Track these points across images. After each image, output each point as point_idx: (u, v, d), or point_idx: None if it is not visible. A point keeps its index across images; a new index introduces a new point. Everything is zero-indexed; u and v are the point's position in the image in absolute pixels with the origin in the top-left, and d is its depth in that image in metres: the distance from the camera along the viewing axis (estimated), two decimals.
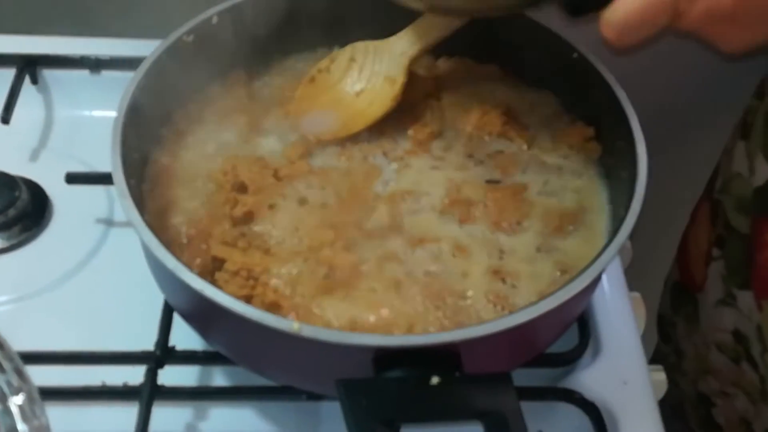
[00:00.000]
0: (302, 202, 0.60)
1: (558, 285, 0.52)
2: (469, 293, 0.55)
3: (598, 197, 0.62)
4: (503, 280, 0.56)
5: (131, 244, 0.57)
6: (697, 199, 0.88)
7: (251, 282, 0.55)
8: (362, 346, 0.47)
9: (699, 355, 0.86)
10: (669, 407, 0.65)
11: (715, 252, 0.81)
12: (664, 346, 0.94)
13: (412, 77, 0.66)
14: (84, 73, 0.79)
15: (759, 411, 0.80)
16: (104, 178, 0.68)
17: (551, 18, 0.66)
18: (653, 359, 0.96)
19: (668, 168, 0.78)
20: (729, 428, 0.86)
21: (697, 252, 0.85)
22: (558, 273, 0.57)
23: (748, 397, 0.81)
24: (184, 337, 0.59)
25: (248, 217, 0.59)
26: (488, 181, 0.62)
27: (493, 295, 0.55)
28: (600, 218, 0.61)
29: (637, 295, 0.70)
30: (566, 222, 0.60)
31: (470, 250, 0.57)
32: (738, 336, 0.79)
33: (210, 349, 0.59)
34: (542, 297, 0.50)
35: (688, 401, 0.91)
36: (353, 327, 0.52)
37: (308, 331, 0.47)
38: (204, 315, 0.54)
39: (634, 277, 0.71)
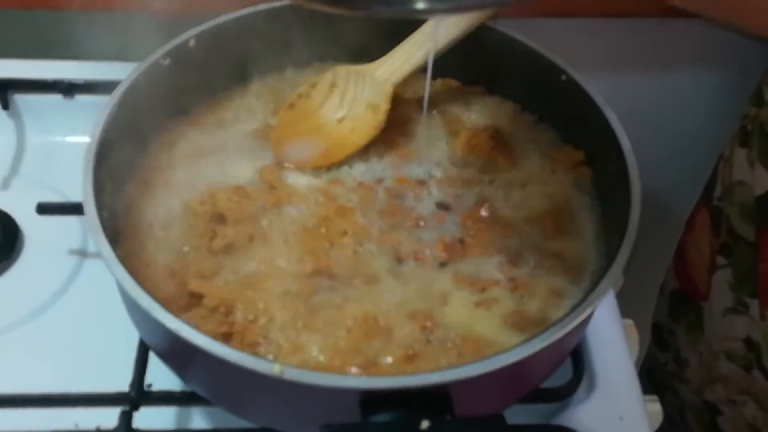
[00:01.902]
0: (284, 233, 0.57)
1: None
2: None
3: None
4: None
5: (106, 277, 0.53)
6: (692, 206, 0.87)
7: (230, 318, 0.53)
8: (348, 389, 0.45)
9: (705, 364, 0.85)
10: (667, 415, 0.64)
11: (720, 260, 0.80)
12: (662, 354, 0.93)
13: (395, 98, 0.64)
14: (57, 98, 0.76)
15: None
16: (77, 209, 0.64)
17: (539, 38, 0.65)
18: (648, 367, 0.95)
19: (662, 176, 0.77)
20: None
21: (699, 260, 0.84)
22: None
23: (758, 405, 0.80)
24: (161, 376, 0.56)
25: (228, 250, 0.56)
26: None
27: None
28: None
29: (630, 322, 0.68)
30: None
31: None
32: (749, 344, 0.78)
33: (188, 389, 0.56)
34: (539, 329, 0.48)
35: (691, 409, 0.90)
36: (341, 362, 0.50)
37: (291, 374, 0.45)
38: (181, 355, 0.51)
39: (625, 288, 0.70)
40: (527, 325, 0.53)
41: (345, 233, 0.57)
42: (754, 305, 0.77)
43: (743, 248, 0.77)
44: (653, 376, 0.95)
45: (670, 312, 0.91)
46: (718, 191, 0.81)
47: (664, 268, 0.93)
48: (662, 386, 0.92)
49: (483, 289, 0.55)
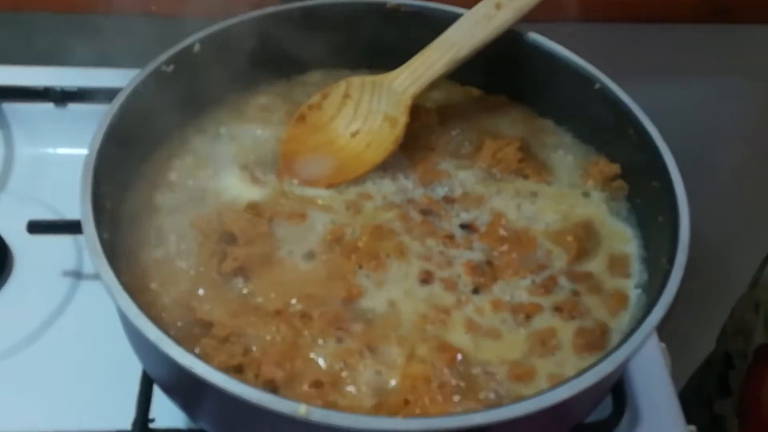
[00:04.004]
0: (304, 254, 0.53)
1: None
2: None
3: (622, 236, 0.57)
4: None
5: (103, 300, 0.49)
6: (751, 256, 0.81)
7: (241, 349, 0.48)
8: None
9: None
10: None
11: None
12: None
13: (413, 108, 0.60)
14: (48, 107, 0.72)
15: None
16: (71, 227, 0.61)
17: (569, 44, 0.61)
18: None
19: (708, 202, 0.70)
20: None
21: None
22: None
23: None
24: (166, 411, 0.52)
25: (239, 273, 0.52)
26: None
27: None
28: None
29: (662, 345, 0.64)
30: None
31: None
32: None
33: (196, 427, 0.52)
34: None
35: None
36: (371, 402, 0.46)
37: (318, 415, 0.41)
38: (191, 391, 0.47)
39: None
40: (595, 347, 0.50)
41: (374, 256, 0.53)
42: None
43: None
44: None
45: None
46: None
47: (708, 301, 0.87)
48: None
49: (528, 316, 0.50)
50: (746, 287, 0.82)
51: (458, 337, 0.50)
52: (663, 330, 0.62)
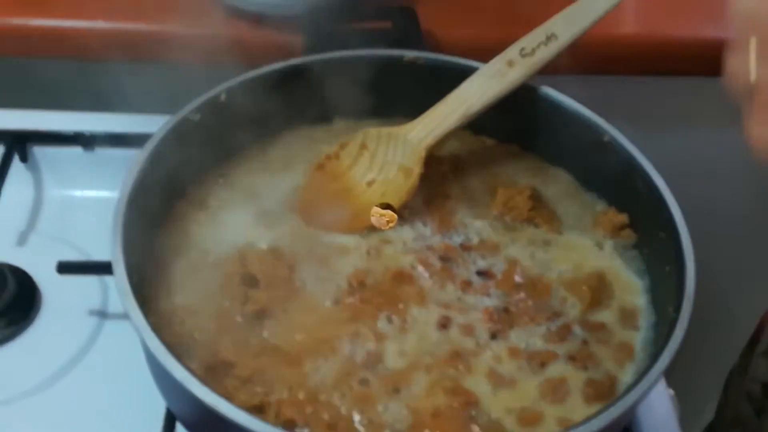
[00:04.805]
0: (325, 298, 0.55)
1: None
2: None
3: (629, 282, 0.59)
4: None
5: (127, 339, 0.51)
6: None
7: (262, 389, 0.50)
8: None
9: None
10: None
11: None
12: None
13: (428, 157, 0.62)
14: (77, 151, 0.74)
15: None
16: (100, 268, 0.62)
17: (580, 95, 0.63)
18: None
19: (716, 255, 0.71)
20: None
21: None
22: None
23: None
24: None
25: (261, 316, 0.54)
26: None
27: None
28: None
29: (671, 392, 0.65)
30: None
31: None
32: None
33: None
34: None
35: None
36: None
37: None
38: (213, 429, 0.48)
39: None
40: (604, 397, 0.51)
41: (395, 301, 0.55)
42: None
43: None
44: None
45: None
46: None
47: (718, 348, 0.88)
48: None
49: (543, 364, 0.52)
50: (738, 358, 0.82)
51: (475, 383, 0.51)
52: (671, 377, 0.63)
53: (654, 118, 0.84)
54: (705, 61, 0.83)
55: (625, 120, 0.62)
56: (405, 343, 0.53)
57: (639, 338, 0.55)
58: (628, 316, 0.56)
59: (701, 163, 0.85)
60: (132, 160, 0.56)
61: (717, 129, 0.76)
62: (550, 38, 0.62)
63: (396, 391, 0.50)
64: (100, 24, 0.79)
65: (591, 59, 0.76)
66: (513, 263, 0.58)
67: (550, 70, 0.63)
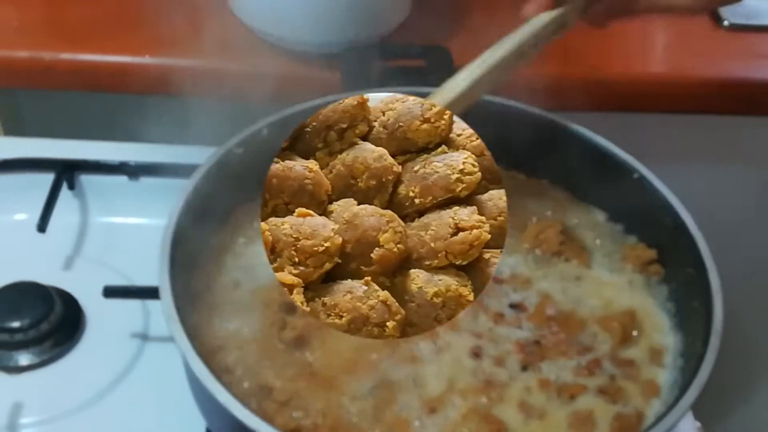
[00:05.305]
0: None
1: None
2: None
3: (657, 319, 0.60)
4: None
5: (168, 360, 0.53)
6: None
7: (300, 412, 0.52)
8: None
9: None
10: None
11: None
12: None
13: None
14: (122, 179, 0.77)
15: None
16: (144, 293, 0.65)
17: (612, 132, 0.65)
18: None
19: (745, 292, 0.71)
20: None
21: None
22: None
23: None
24: None
25: (298, 341, 0.56)
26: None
27: None
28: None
29: (698, 425, 0.66)
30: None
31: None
32: None
33: None
34: None
35: None
36: None
37: None
38: None
39: None
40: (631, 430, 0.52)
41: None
42: None
43: None
44: None
45: None
46: None
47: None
48: None
49: (572, 396, 0.53)
50: None
51: (506, 413, 0.52)
52: (698, 409, 0.64)
53: (683, 155, 0.85)
54: (734, 100, 0.85)
55: (654, 158, 0.64)
56: (438, 369, 0.54)
57: (666, 376, 0.56)
58: (656, 354, 0.57)
59: (729, 200, 0.86)
60: (179, 189, 0.59)
61: (744, 167, 0.77)
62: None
63: (429, 416, 0.51)
64: (147, 60, 0.82)
65: (620, 97, 0.78)
66: (545, 297, 0.60)
67: (580, 106, 0.65)
